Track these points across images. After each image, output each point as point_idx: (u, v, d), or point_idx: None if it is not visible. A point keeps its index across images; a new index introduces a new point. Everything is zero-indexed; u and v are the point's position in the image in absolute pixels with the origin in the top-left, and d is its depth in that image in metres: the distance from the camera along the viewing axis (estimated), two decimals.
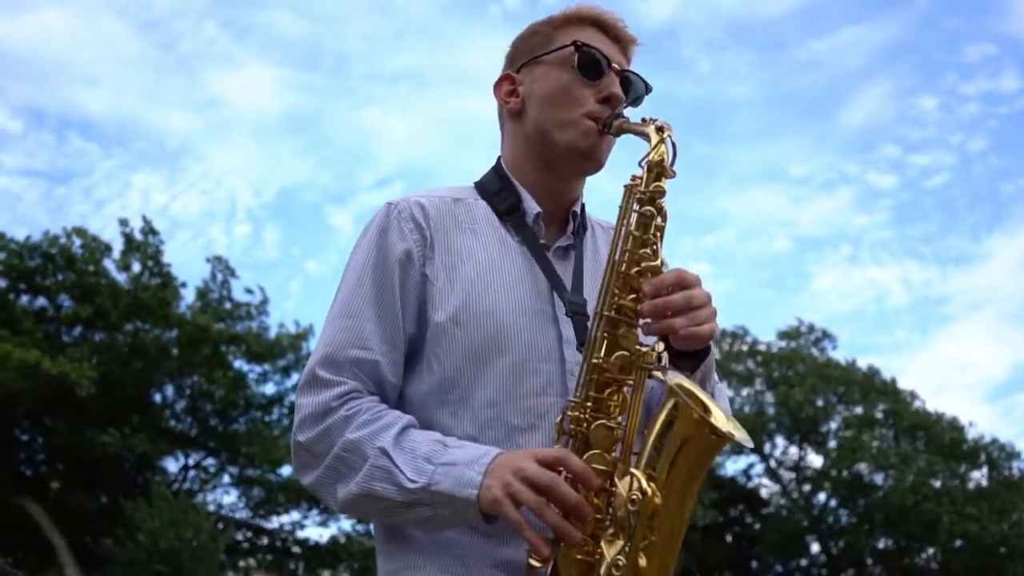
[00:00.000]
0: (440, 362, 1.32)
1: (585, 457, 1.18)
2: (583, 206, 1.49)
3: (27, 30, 27.86)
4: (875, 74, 34.91)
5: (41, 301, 19.82)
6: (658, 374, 1.19)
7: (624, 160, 1.36)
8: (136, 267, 19.76)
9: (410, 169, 35.51)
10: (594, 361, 1.23)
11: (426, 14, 32.51)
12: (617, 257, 1.27)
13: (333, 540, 21.22)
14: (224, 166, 31.58)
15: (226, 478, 21.82)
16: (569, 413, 1.22)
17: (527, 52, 1.46)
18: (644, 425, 1.21)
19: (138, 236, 19.85)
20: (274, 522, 22.03)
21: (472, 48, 32.66)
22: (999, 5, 35.06)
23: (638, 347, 1.22)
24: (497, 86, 1.49)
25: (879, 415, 24.18)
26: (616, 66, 1.42)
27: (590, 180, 1.49)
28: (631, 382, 1.23)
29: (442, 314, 1.32)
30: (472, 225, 1.39)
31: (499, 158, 1.49)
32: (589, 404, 1.22)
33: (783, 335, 25.50)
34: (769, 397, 24.77)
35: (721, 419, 1.14)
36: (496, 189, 1.44)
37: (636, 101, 1.46)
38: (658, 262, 1.24)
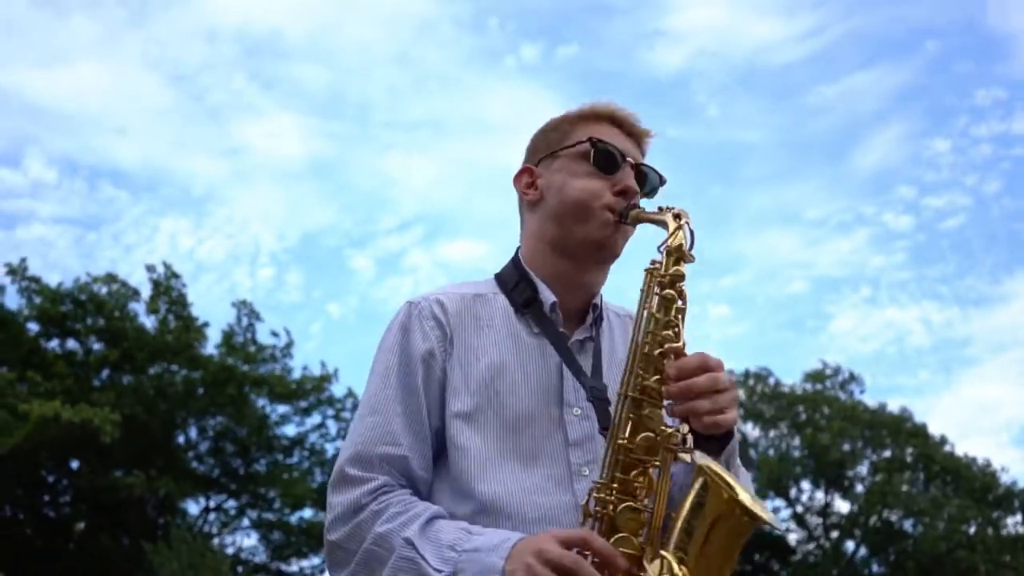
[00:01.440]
0: (455, 461, 1.35)
1: (612, 541, 1.18)
2: (601, 298, 1.52)
3: (63, 84, 28.82)
4: (887, 118, 35.06)
5: (72, 344, 20.13)
6: (684, 456, 1.20)
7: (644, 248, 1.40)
8: (162, 310, 20.04)
9: (429, 214, 35.98)
10: (619, 442, 1.24)
11: (445, 65, 33.22)
12: (640, 339, 1.29)
13: None
14: (248, 211, 32.12)
15: (246, 521, 21.78)
16: (595, 495, 1.22)
17: (546, 147, 1.52)
18: (671, 508, 1.21)
19: (163, 280, 20.17)
20: (293, 566, 21.90)
21: (490, 97, 33.24)
22: (1007, 51, 35.33)
23: (663, 428, 1.23)
24: (517, 178, 1.54)
25: (908, 459, 23.68)
26: (631, 160, 1.47)
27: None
28: (657, 463, 1.23)
29: (456, 413, 1.36)
30: (490, 321, 1.43)
31: (517, 250, 1.53)
32: (615, 486, 1.22)
33: (808, 377, 25.19)
34: (794, 440, 24.38)
35: (748, 499, 1.15)
36: (514, 283, 1.47)
37: (651, 193, 1.50)
38: (681, 344, 1.27)
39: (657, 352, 1.27)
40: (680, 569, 1.13)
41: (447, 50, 32.79)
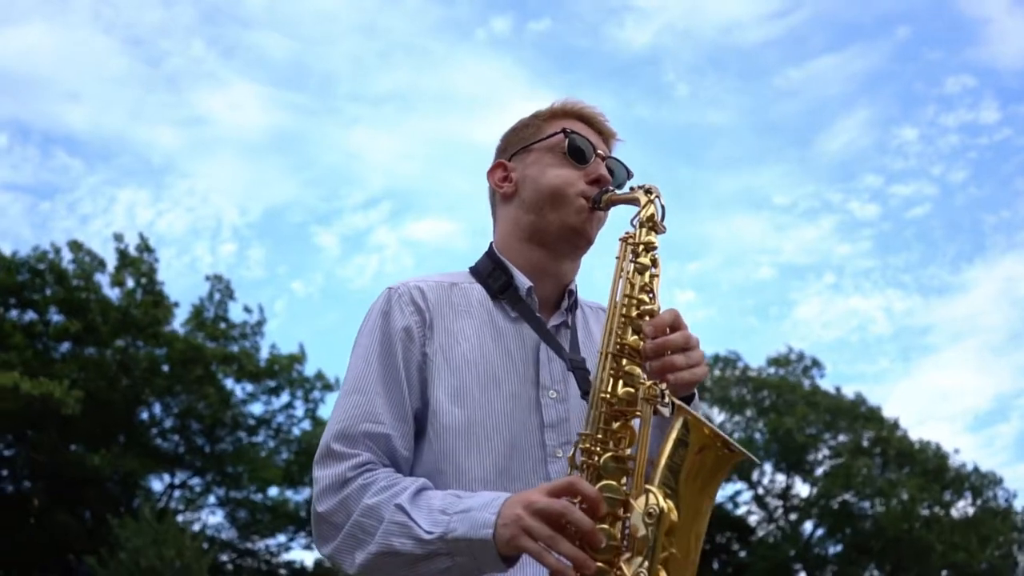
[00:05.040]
0: (439, 438, 1.39)
1: (598, 487, 1.24)
2: (575, 287, 1.58)
3: (12, 46, 27.85)
4: (855, 103, 35.19)
5: (30, 316, 19.65)
6: (663, 409, 1.26)
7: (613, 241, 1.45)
8: (130, 283, 19.62)
9: (396, 189, 35.63)
10: (601, 396, 1.30)
11: (412, 36, 32.72)
12: (618, 300, 1.36)
13: (318, 563, 20.99)
14: (210, 184, 31.48)
15: (212, 499, 21.59)
16: (581, 446, 1.28)
17: (518, 142, 1.58)
18: (653, 455, 1.27)
19: (132, 252, 19.74)
20: (259, 544, 21.79)
21: (458, 70, 32.86)
22: (978, 37, 35.54)
23: (642, 382, 1.29)
24: (491, 173, 1.59)
25: (866, 443, 24.20)
26: (601, 152, 1.54)
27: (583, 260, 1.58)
28: (639, 414, 1.29)
29: (442, 393, 1.40)
30: (467, 308, 1.48)
31: (491, 243, 1.58)
32: (599, 436, 1.28)
33: (773, 362, 25.56)
34: (759, 424, 24.76)
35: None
36: (489, 270, 1.53)
37: (619, 187, 1.55)
38: (655, 306, 1.35)
39: (634, 313, 1.34)
40: (666, 501, 1.19)
41: (414, 20, 32.27)
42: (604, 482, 1.24)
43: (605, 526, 1.20)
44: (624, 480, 1.26)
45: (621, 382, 1.31)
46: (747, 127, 35.22)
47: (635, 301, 1.35)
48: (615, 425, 1.29)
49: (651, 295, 1.36)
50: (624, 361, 1.32)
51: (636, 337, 1.33)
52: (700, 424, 1.22)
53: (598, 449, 1.27)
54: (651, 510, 1.18)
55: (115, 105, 30.23)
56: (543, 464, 1.38)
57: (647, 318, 1.33)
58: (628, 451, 1.28)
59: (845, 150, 33.83)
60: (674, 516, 1.19)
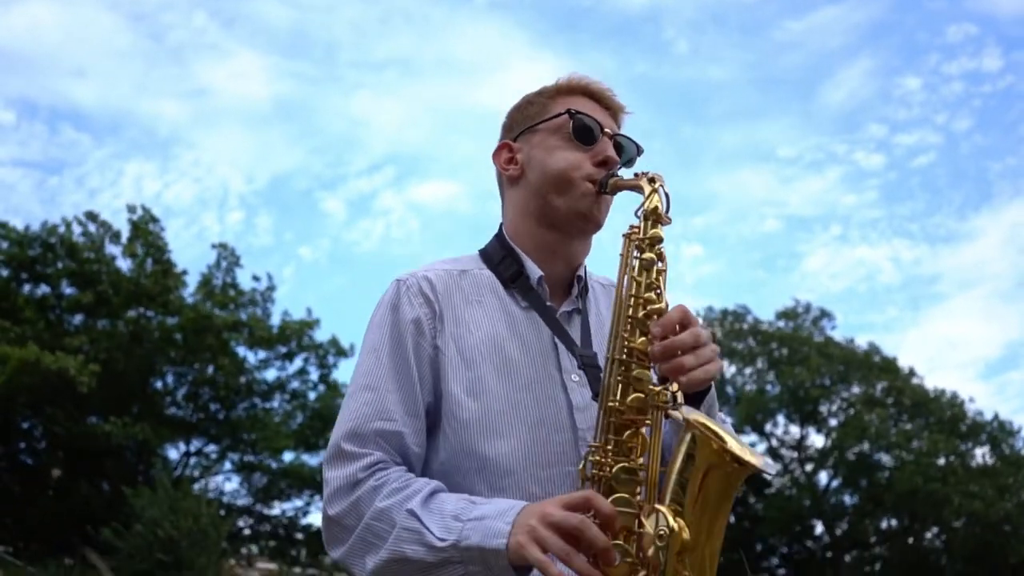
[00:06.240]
0: (456, 432, 1.35)
1: (611, 500, 1.19)
2: (584, 268, 1.53)
3: (17, 23, 27.69)
4: (856, 54, 34.56)
5: (43, 289, 19.72)
6: (675, 413, 1.21)
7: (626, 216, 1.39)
8: (141, 254, 19.65)
9: (400, 154, 35.46)
10: (610, 404, 1.25)
11: (412, 1, 32.17)
12: (623, 302, 1.30)
13: None
14: (216, 154, 31.47)
15: (227, 465, 21.83)
16: (591, 458, 1.24)
17: (523, 121, 1.52)
18: (665, 463, 1.22)
19: (141, 223, 19.73)
20: (276, 508, 22.08)
21: (459, 34, 32.43)
22: None
23: (652, 387, 1.24)
24: (496, 154, 1.54)
25: (879, 394, 24.13)
26: (608, 131, 1.48)
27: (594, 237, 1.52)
28: (648, 422, 1.24)
29: (456, 386, 1.36)
30: (479, 297, 1.44)
31: (500, 225, 1.54)
32: (610, 448, 1.23)
33: (782, 315, 25.42)
34: (770, 376, 24.72)
35: (738, 447, 1.16)
36: (500, 257, 1.49)
37: (629, 163, 1.50)
38: (663, 304, 1.28)
39: (641, 314, 1.29)
40: (676, 521, 1.15)
41: None
42: (617, 495, 1.20)
43: (619, 542, 1.16)
44: (638, 490, 1.22)
45: (631, 388, 1.25)
46: (749, 81, 34.70)
47: (641, 301, 1.29)
48: (625, 435, 1.24)
49: (658, 292, 1.30)
50: (633, 366, 1.26)
51: (644, 339, 1.27)
52: (708, 440, 1.15)
53: (609, 460, 1.23)
54: (661, 531, 1.14)
55: (120, 80, 30.14)
56: (574, 446, 1.34)
57: (655, 317, 1.27)
58: (640, 460, 1.24)
59: (848, 101, 33.32)
60: (686, 535, 1.14)
